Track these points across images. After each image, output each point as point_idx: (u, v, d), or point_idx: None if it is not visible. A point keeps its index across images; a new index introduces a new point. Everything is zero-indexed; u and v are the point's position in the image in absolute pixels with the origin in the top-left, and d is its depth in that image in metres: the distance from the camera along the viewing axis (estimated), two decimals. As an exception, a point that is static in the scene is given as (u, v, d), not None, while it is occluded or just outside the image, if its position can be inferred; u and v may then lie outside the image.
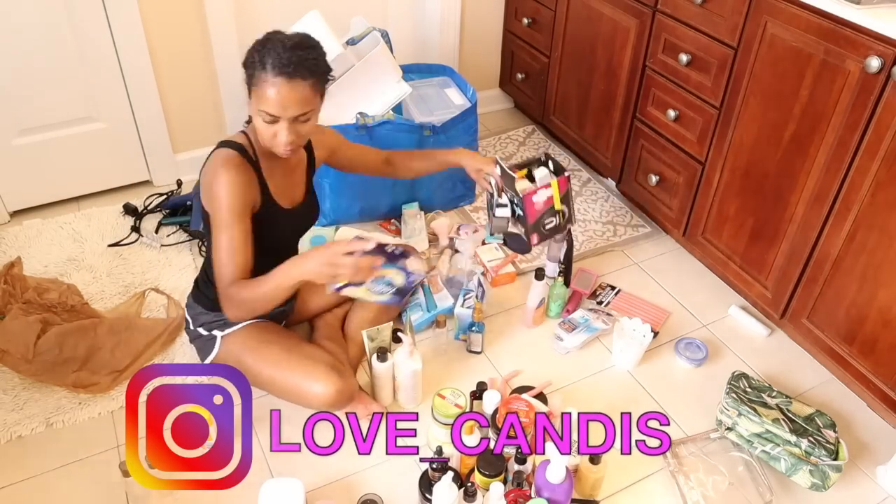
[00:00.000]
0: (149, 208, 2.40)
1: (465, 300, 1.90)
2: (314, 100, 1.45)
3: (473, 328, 1.87)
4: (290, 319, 1.86)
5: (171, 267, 2.16)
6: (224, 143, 1.51)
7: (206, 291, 1.67)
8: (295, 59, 1.38)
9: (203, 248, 2.23)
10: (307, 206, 1.70)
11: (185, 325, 1.76)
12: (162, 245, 2.25)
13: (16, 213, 2.39)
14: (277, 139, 1.44)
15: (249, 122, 1.54)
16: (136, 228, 2.31)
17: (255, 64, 1.39)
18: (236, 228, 1.46)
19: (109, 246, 2.24)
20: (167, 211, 2.38)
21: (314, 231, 2.21)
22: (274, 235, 1.59)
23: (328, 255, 1.39)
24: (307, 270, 1.41)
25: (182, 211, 2.35)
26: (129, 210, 2.37)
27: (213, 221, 1.49)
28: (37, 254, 2.18)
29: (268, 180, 1.55)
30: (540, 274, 1.90)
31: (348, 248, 1.39)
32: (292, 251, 1.74)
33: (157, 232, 2.31)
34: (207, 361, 1.71)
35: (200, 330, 1.68)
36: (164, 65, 2.34)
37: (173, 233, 2.31)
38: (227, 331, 1.66)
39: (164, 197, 2.44)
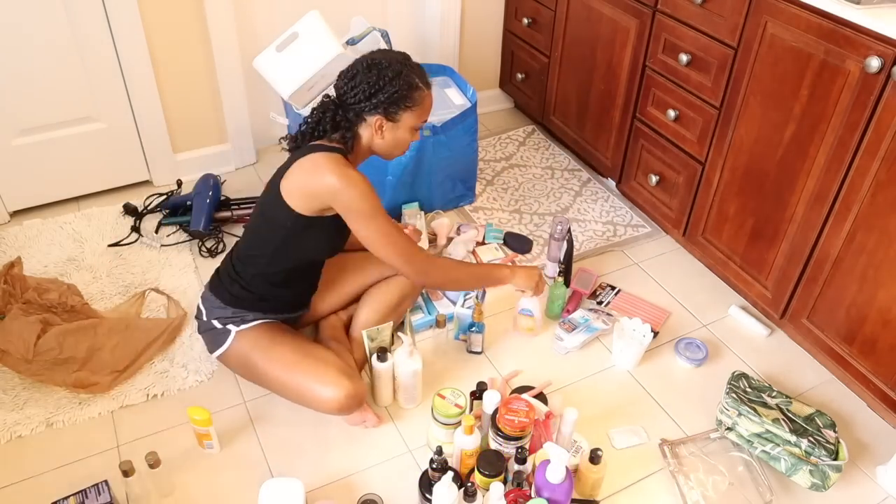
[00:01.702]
0: (149, 208, 2.40)
1: (465, 300, 1.90)
2: None
3: (473, 328, 1.87)
4: (301, 322, 1.86)
5: (171, 267, 2.16)
6: (325, 148, 1.55)
7: (228, 286, 1.67)
8: (424, 71, 1.60)
9: (203, 248, 2.23)
10: None
11: (197, 314, 1.75)
12: (162, 245, 2.25)
13: (16, 213, 2.39)
14: (408, 143, 1.64)
15: (350, 149, 1.59)
16: (136, 228, 2.31)
17: (413, 87, 1.54)
18: (386, 214, 1.56)
19: (109, 246, 2.24)
20: (167, 211, 2.38)
21: None
22: (338, 238, 1.67)
23: (536, 276, 1.80)
24: (517, 278, 1.77)
25: (182, 211, 2.35)
26: (129, 210, 2.37)
27: (368, 215, 1.53)
28: (37, 254, 2.18)
29: None
30: None
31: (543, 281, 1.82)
32: (339, 250, 1.76)
33: (157, 232, 2.31)
34: (216, 354, 1.70)
35: (215, 322, 1.67)
36: (164, 65, 2.34)
37: (173, 233, 2.31)
38: (243, 326, 1.66)
39: (164, 197, 2.44)
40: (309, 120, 1.60)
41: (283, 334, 1.67)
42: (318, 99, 1.63)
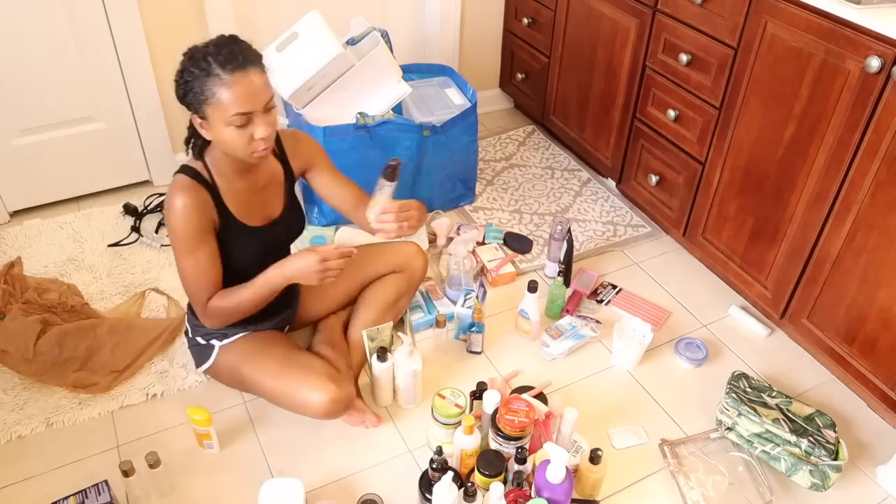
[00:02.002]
0: (149, 208, 2.40)
1: (465, 300, 1.90)
2: (269, 84, 1.41)
3: (473, 328, 1.87)
4: (293, 325, 1.86)
5: (171, 267, 2.16)
6: (179, 170, 1.48)
7: None
8: (236, 50, 1.34)
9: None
10: (286, 220, 1.65)
11: (185, 331, 1.76)
12: (162, 245, 2.25)
13: (16, 213, 2.39)
14: (255, 140, 1.39)
15: (199, 155, 1.48)
16: (136, 228, 2.31)
17: (201, 76, 1.32)
18: (199, 251, 1.46)
19: (109, 246, 2.24)
20: (167, 211, 2.38)
21: (315, 231, 2.22)
22: (247, 253, 1.56)
23: (311, 266, 1.46)
24: (293, 277, 1.49)
25: (182, 211, 2.35)
26: (129, 210, 2.37)
27: (174, 250, 1.48)
28: (37, 254, 2.18)
29: (228, 202, 1.51)
30: (533, 286, 1.89)
31: (328, 256, 1.47)
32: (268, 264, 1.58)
33: (157, 232, 2.31)
34: (202, 370, 1.71)
35: (199, 339, 1.68)
36: (164, 65, 2.34)
37: (173, 233, 2.31)
38: (225, 341, 1.65)
39: (164, 197, 2.44)
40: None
41: (268, 344, 1.66)
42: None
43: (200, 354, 1.70)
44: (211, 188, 1.48)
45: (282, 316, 1.75)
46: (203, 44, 1.36)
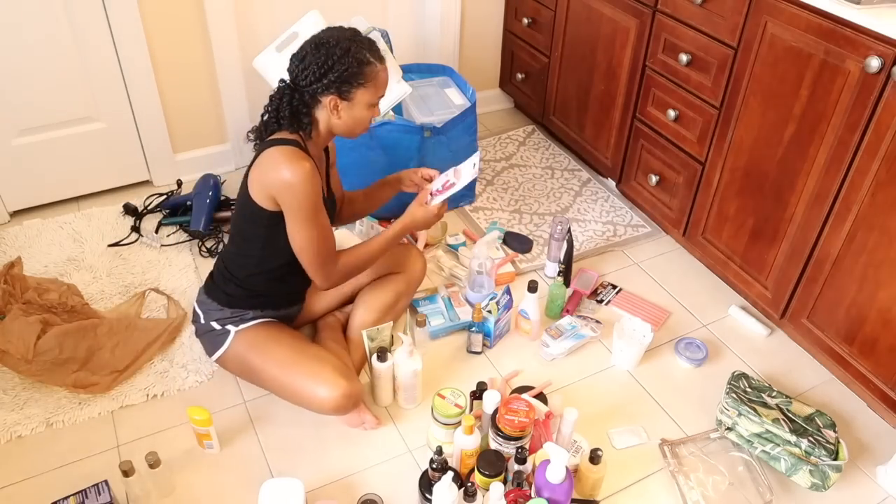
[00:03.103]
0: (149, 208, 2.40)
1: (486, 304, 1.88)
2: None
3: (473, 328, 1.87)
4: (297, 321, 1.86)
5: (171, 267, 2.16)
6: (278, 142, 1.53)
7: (223, 287, 1.67)
8: (376, 44, 1.54)
9: (203, 248, 2.23)
10: (331, 196, 1.77)
11: (194, 318, 1.75)
12: (162, 245, 2.25)
13: (16, 213, 2.39)
14: (371, 119, 1.59)
15: (304, 130, 1.55)
16: (136, 228, 2.31)
17: (364, 63, 1.49)
18: (322, 215, 1.54)
19: (109, 246, 2.24)
20: (167, 211, 2.38)
21: None
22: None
23: (428, 214, 1.69)
24: (414, 227, 1.71)
25: (182, 211, 2.35)
26: (129, 210, 2.37)
27: (296, 215, 1.51)
28: (37, 254, 2.18)
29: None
30: (533, 286, 1.89)
31: (431, 201, 1.71)
32: None
33: (157, 232, 2.31)
34: (215, 357, 1.70)
35: (214, 324, 1.67)
36: (164, 65, 2.34)
37: (173, 233, 2.31)
38: (242, 326, 1.66)
39: (164, 197, 2.44)
40: (268, 108, 1.57)
41: (281, 333, 1.67)
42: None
43: (213, 341, 1.69)
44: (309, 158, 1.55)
45: (297, 307, 1.79)
46: (347, 35, 1.51)
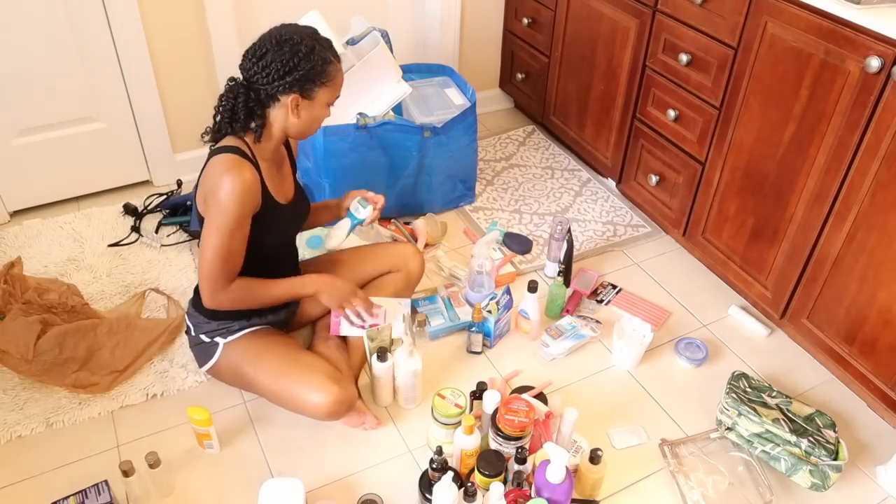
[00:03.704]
0: (149, 208, 2.40)
1: (486, 304, 1.88)
2: None
3: (473, 328, 1.87)
4: (292, 325, 1.86)
5: (171, 267, 2.16)
6: (222, 150, 1.49)
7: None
8: (331, 42, 1.53)
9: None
10: (298, 200, 1.71)
11: (186, 330, 1.75)
12: (162, 245, 2.25)
13: (16, 213, 2.39)
14: (322, 121, 1.57)
15: (257, 133, 1.51)
16: (136, 228, 2.31)
17: (327, 62, 1.48)
18: (239, 233, 1.49)
19: (109, 246, 2.24)
20: (167, 211, 2.38)
21: (311, 232, 2.21)
22: (276, 231, 1.61)
23: (345, 294, 1.65)
24: (326, 292, 1.64)
25: (182, 211, 2.35)
26: (129, 210, 2.37)
27: (213, 223, 1.47)
28: (37, 254, 2.18)
29: (266, 180, 1.55)
30: (533, 286, 1.88)
31: (362, 299, 1.68)
32: (291, 245, 1.76)
33: (157, 232, 2.31)
34: (205, 368, 1.71)
35: (203, 337, 1.67)
36: (164, 65, 2.34)
37: (173, 233, 2.31)
38: (230, 338, 1.65)
39: (164, 197, 2.44)
40: (221, 108, 1.51)
41: (271, 342, 1.66)
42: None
43: (203, 353, 1.69)
44: (255, 166, 1.52)
45: (286, 311, 1.76)
46: (308, 33, 1.49)
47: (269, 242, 1.60)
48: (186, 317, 1.73)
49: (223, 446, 1.65)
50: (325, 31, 2.06)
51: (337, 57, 1.52)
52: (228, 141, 1.52)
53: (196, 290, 1.71)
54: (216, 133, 1.55)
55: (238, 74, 1.52)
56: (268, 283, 1.58)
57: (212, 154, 1.50)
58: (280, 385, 1.59)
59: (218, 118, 1.53)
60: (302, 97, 1.48)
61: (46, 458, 1.61)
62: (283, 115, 1.50)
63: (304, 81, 1.46)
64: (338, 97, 1.56)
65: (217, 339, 1.66)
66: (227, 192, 1.43)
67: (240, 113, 1.48)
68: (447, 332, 1.96)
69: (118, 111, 2.36)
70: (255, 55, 1.46)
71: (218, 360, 1.67)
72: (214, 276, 1.50)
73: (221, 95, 1.52)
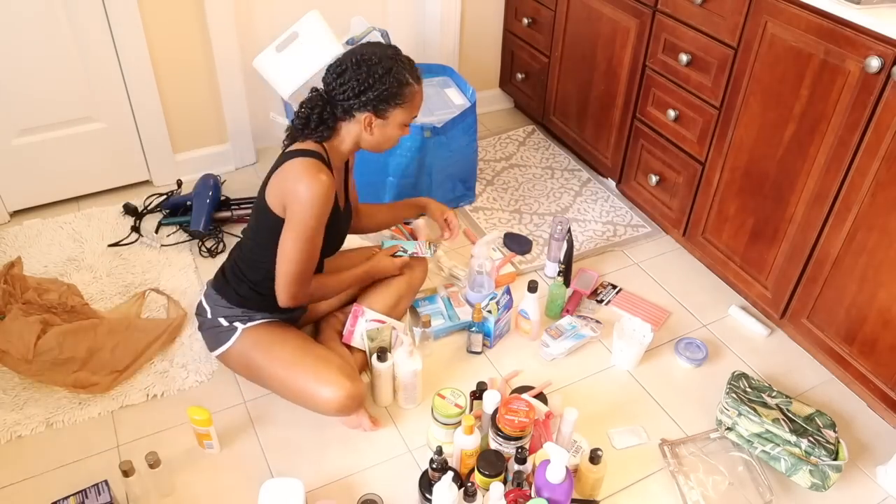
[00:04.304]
0: (149, 208, 2.40)
1: (486, 304, 1.88)
2: None
3: (473, 328, 1.87)
4: (299, 322, 1.86)
5: (171, 267, 2.16)
6: (300, 153, 1.53)
7: (236, 287, 1.66)
8: (414, 65, 1.56)
9: (203, 248, 2.23)
10: (349, 208, 1.78)
11: (198, 311, 1.73)
12: (162, 245, 2.25)
13: (16, 213, 2.39)
14: (397, 139, 1.61)
15: (329, 136, 1.57)
16: (136, 228, 2.31)
17: (403, 84, 1.52)
18: (318, 238, 1.55)
19: (109, 246, 2.24)
20: (167, 211, 2.38)
21: None
22: (334, 234, 1.67)
23: (391, 266, 1.83)
24: (382, 272, 1.82)
25: (182, 211, 2.35)
26: (129, 210, 2.37)
27: (297, 226, 1.50)
28: (37, 254, 2.18)
29: (335, 186, 1.59)
30: (533, 286, 1.88)
31: (400, 266, 1.85)
32: (339, 247, 1.80)
33: (157, 232, 2.31)
34: (218, 352, 1.69)
35: (221, 320, 1.67)
36: (164, 65, 2.34)
37: (173, 233, 2.31)
38: (250, 324, 1.66)
39: (164, 197, 2.44)
40: (299, 114, 1.57)
41: (286, 332, 1.67)
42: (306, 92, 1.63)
43: (217, 337, 1.68)
44: (331, 171, 1.56)
45: (299, 310, 1.78)
46: (389, 54, 1.52)
47: (328, 244, 1.64)
48: (204, 299, 1.72)
49: (223, 446, 1.65)
50: (325, 31, 2.07)
51: (417, 78, 1.55)
52: (307, 145, 1.56)
53: (223, 270, 1.72)
54: (289, 137, 1.61)
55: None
56: (338, 277, 1.68)
57: (288, 156, 1.53)
58: (291, 376, 1.60)
59: (295, 123, 1.58)
60: (376, 116, 1.54)
61: (46, 458, 1.61)
62: (357, 129, 1.57)
63: (379, 101, 1.51)
64: (415, 117, 1.60)
65: (237, 324, 1.66)
66: (311, 196, 1.47)
67: (314, 122, 1.54)
68: (447, 332, 1.96)
69: (118, 111, 2.36)
70: (336, 71, 1.52)
71: (232, 345, 1.66)
72: (299, 277, 1.56)
73: (302, 102, 1.57)
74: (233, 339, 1.66)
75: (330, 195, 1.50)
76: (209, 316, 1.69)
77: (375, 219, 1.95)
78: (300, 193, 1.47)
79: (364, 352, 1.77)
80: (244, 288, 1.65)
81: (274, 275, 1.59)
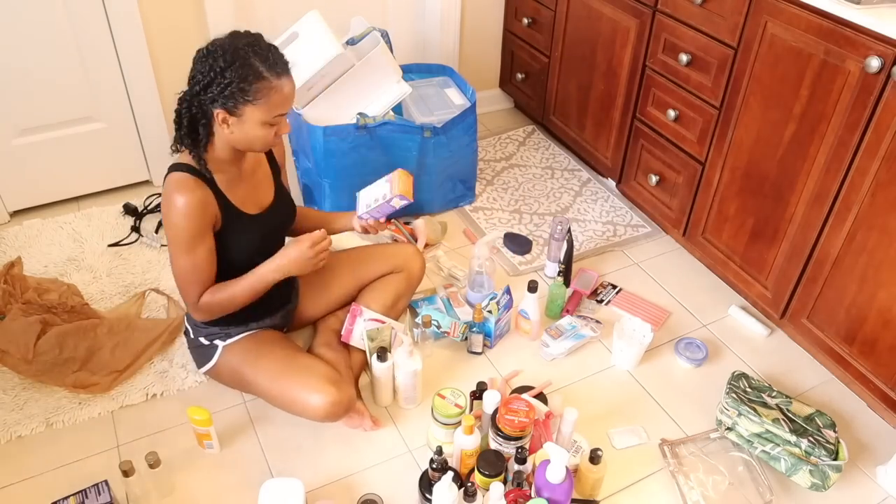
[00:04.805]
0: (149, 208, 2.41)
1: (486, 304, 1.88)
2: None
3: (473, 329, 1.87)
4: (293, 325, 1.86)
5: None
6: (173, 168, 1.47)
7: None
8: (277, 55, 1.40)
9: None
10: (279, 206, 1.66)
11: (185, 332, 1.75)
12: (162, 245, 2.25)
13: (16, 213, 2.39)
14: (275, 136, 1.46)
15: (203, 149, 1.46)
16: (136, 228, 2.31)
17: (253, 77, 1.35)
18: (198, 249, 1.47)
19: (109, 246, 2.24)
20: (167, 211, 2.38)
21: None
22: (247, 242, 1.57)
23: (304, 253, 1.52)
24: (288, 268, 1.54)
25: (182, 211, 2.35)
26: (129, 210, 2.37)
27: (169, 244, 1.47)
28: (37, 254, 2.18)
29: (226, 192, 1.52)
30: (533, 286, 1.88)
31: (316, 243, 1.53)
32: (272, 253, 1.59)
33: (157, 232, 2.31)
34: (204, 370, 1.71)
35: (202, 339, 1.67)
36: (164, 65, 2.34)
37: (173, 233, 2.31)
38: (229, 341, 1.65)
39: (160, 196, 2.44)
40: (175, 115, 1.46)
41: (270, 345, 1.66)
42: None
43: (202, 355, 1.69)
44: (209, 181, 1.48)
45: (283, 312, 1.75)
46: (240, 44, 1.35)
47: (242, 253, 1.56)
48: (185, 318, 1.73)
49: (223, 446, 1.65)
50: (324, 32, 2.07)
51: (278, 72, 1.37)
52: (181, 157, 1.49)
53: None
54: (174, 144, 1.49)
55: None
56: (234, 283, 1.53)
57: (169, 170, 1.48)
58: (277, 387, 1.59)
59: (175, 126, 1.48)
60: (229, 114, 1.39)
61: (46, 458, 1.61)
62: (219, 129, 1.43)
63: (226, 98, 1.36)
64: (283, 114, 1.43)
65: (216, 341, 1.66)
66: (174, 213, 1.43)
67: (183, 122, 1.43)
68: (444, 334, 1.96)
69: (118, 111, 2.36)
70: (194, 61, 1.39)
71: (217, 362, 1.67)
72: (186, 293, 1.52)
73: (177, 103, 1.45)
74: (215, 357, 1.66)
75: (197, 208, 1.42)
76: (192, 336, 1.70)
77: (301, 224, 1.80)
78: (165, 212, 1.44)
79: (363, 351, 1.77)
80: None
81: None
